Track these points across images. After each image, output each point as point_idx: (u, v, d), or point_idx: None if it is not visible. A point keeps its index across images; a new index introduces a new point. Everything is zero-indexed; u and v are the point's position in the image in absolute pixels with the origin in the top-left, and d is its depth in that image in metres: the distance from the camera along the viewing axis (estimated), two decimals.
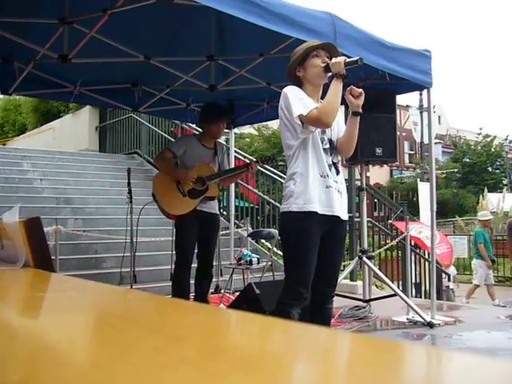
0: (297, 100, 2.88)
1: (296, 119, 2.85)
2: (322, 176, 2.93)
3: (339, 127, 3.16)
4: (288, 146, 2.99)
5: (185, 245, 4.53)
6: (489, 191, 20.66)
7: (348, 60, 2.88)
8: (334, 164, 3.03)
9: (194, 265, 4.65)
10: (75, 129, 12.49)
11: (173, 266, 4.59)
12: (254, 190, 8.41)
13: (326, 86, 2.99)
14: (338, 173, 3.04)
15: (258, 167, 6.53)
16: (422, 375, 0.51)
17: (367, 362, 0.52)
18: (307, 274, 2.93)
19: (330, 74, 2.93)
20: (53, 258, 4.93)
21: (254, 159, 5.01)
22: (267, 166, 8.05)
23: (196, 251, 4.66)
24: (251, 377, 0.45)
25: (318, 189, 2.90)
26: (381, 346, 0.58)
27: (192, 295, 4.71)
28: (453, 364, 0.54)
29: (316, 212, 2.86)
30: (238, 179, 5.74)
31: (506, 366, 0.47)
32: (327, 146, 3.02)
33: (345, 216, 3.05)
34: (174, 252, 4.77)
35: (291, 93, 2.92)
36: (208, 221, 4.60)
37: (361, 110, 2.98)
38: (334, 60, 2.89)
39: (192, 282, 4.64)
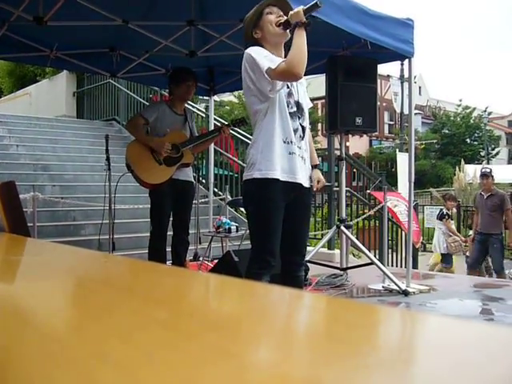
0: (262, 57, 2.80)
1: (265, 75, 2.76)
2: (285, 142, 2.88)
3: (307, 100, 3.12)
4: (254, 112, 2.92)
5: (160, 214, 4.53)
6: (466, 163, 20.88)
7: (306, 7, 2.79)
8: (299, 129, 2.97)
9: (170, 232, 4.66)
10: (52, 94, 12.26)
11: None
12: (234, 158, 8.37)
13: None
14: (302, 138, 2.98)
15: (231, 131, 6.51)
16: (396, 335, 0.52)
17: (342, 323, 0.52)
18: (273, 242, 2.92)
19: (288, 30, 2.86)
20: (30, 224, 4.90)
21: (226, 122, 4.96)
22: (246, 134, 8.02)
23: (172, 219, 4.66)
24: (221, 336, 0.45)
25: (281, 155, 2.86)
26: (356, 309, 0.59)
27: (169, 262, 4.73)
28: (426, 325, 0.55)
29: (278, 179, 2.83)
30: (210, 144, 5.68)
31: (476, 326, 0.48)
32: (293, 109, 2.95)
33: (307, 183, 3.01)
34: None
35: (254, 51, 2.83)
36: (183, 189, 4.58)
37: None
38: (291, 12, 2.81)
39: (169, 249, 4.65)
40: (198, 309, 0.59)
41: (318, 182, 3.21)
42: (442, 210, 9.08)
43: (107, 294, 0.66)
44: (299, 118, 2.98)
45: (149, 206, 4.70)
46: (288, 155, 2.89)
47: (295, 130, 2.94)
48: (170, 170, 4.47)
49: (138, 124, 4.54)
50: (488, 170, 8.13)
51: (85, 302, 0.63)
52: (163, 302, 0.60)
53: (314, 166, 3.23)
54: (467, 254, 9.08)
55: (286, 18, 2.85)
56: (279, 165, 2.85)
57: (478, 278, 7.07)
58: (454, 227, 8.86)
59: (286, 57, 2.86)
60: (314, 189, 3.20)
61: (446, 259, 8.58)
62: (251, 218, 3.06)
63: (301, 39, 2.79)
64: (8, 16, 4.45)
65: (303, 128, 3.00)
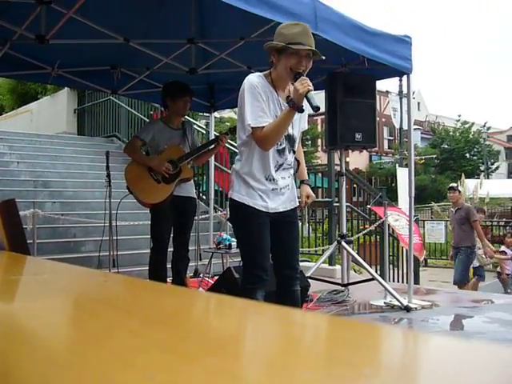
0: (251, 106, 2.77)
1: (246, 125, 2.78)
2: (267, 179, 2.91)
3: (301, 124, 3.12)
4: (239, 137, 2.94)
5: (160, 231, 4.51)
6: (466, 177, 20.88)
7: (309, 95, 2.68)
8: (287, 160, 2.98)
9: (171, 249, 4.65)
10: (53, 111, 12.31)
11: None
12: (229, 171, 8.36)
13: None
14: (287, 168, 3.00)
15: (229, 144, 6.47)
16: (398, 357, 0.52)
17: (344, 343, 0.52)
18: (262, 256, 2.94)
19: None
20: (30, 241, 4.90)
21: (223, 133, 4.94)
22: None
23: (172, 236, 4.64)
24: (222, 357, 0.45)
25: (262, 191, 2.90)
26: (358, 328, 0.58)
27: (170, 279, 4.71)
28: (429, 346, 0.55)
29: (258, 210, 2.88)
30: (211, 156, 5.63)
31: (480, 348, 0.48)
32: (282, 145, 2.95)
33: (290, 206, 3.04)
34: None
35: (249, 92, 2.80)
36: (184, 205, 4.57)
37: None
38: (298, 84, 2.68)
39: (169, 266, 4.64)
40: (197, 330, 0.59)
41: (308, 197, 3.23)
42: None
43: (107, 314, 0.66)
44: (287, 150, 2.99)
45: (149, 222, 4.69)
46: (270, 191, 2.93)
47: (280, 165, 2.96)
48: (169, 187, 4.45)
49: (135, 146, 4.55)
50: (455, 185, 8.27)
51: (85, 323, 0.63)
52: (163, 323, 0.60)
53: (302, 182, 3.25)
54: (498, 269, 9.04)
55: (301, 71, 2.77)
56: (261, 199, 2.90)
57: (479, 293, 7.04)
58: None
59: (294, 79, 2.78)
60: (303, 205, 3.22)
61: (479, 272, 8.45)
62: (238, 235, 3.11)
63: (286, 120, 2.78)
64: (10, 35, 4.48)
65: (286, 162, 3.00)
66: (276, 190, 2.94)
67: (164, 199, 4.42)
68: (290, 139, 3.00)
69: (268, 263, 2.98)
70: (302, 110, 2.78)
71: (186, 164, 4.56)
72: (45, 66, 5.39)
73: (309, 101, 2.70)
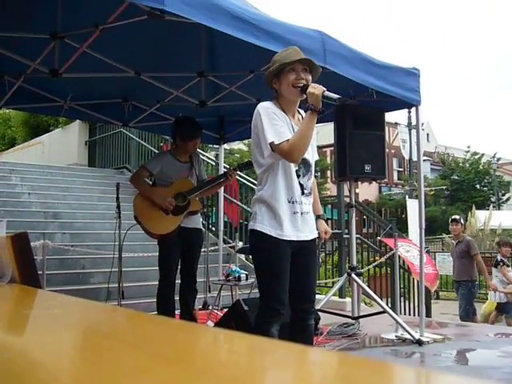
0: (270, 125, 2.81)
1: (267, 145, 2.80)
2: (289, 202, 2.91)
3: (314, 153, 3.15)
4: (258, 165, 2.95)
5: (168, 262, 4.52)
6: (477, 208, 20.79)
7: (326, 93, 2.78)
8: (304, 185, 2.99)
9: (178, 281, 4.63)
10: (65, 143, 12.45)
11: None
12: (238, 202, 8.38)
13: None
14: (307, 194, 3.01)
15: (247, 178, 6.50)
16: None
17: (355, 382, 0.52)
18: (280, 290, 2.92)
19: (305, 95, 2.85)
20: (40, 272, 4.89)
21: (232, 167, 4.98)
22: (251, 179, 8.07)
23: (180, 267, 4.64)
24: None
25: (285, 215, 2.89)
26: (369, 366, 0.58)
27: (178, 311, 4.68)
28: None
29: (281, 237, 2.87)
30: (219, 189, 5.67)
31: None
32: (301, 169, 2.98)
33: (311, 236, 3.03)
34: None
35: (265, 115, 2.84)
36: (191, 237, 4.58)
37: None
38: (312, 89, 2.79)
39: (177, 298, 4.62)
40: (209, 367, 0.58)
41: (326, 232, 3.25)
42: (496, 256, 8.80)
43: (118, 350, 0.66)
44: (304, 175, 3.01)
45: (157, 253, 4.69)
46: (292, 215, 2.92)
47: (299, 188, 2.96)
48: (177, 219, 4.47)
49: (141, 177, 4.61)
50: (458, 217, 8.16)
51: (95, 359, 0.62)
52: (174, 359, 0.60)
53: (317, 216, 3.25)
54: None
55: (304, 82, 2.86)
56: (283, 225, 2.88)
57: (493, 326, 6.93)
58: (511, 274, 8.56)
59: (301, 106, 2.91)
60: (322, 240, 3.25)
61: (506, 308, 8.23)
62: (258, 267, 3.06)
63: (309, 125, 2.82)
64: (24, 68, 4.56)
65: (306, 185, 3.01)
66: (298, 214, 2.92)
67: (171, 231, 4.42)
68: (306, 164, 3.02)
69: (286, 297, 2.95)
70: (322, 112, 2.81)
71: (194, 197, 4.58)
72: (57, 99, 5.48)
73: (328, 98, 2.78)
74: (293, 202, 2.92)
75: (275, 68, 2.93)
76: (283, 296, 2.93)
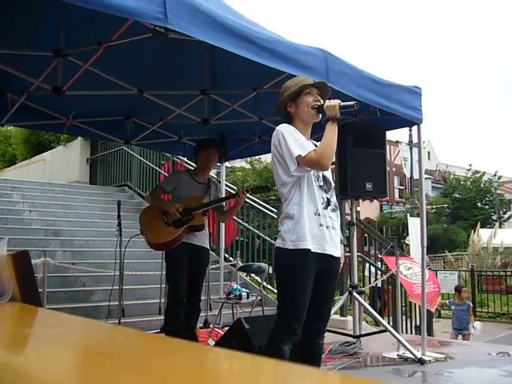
0: (293, 140, 2.90)
1: (294, 159, 2.87)
2: (315, 214, 2.95)
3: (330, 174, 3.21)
4: (282, 184, 3.00)
5: (177, 278, 4.51)
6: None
7: (342, 104, 2.91)
8: (328, 201, 3.04)
9: None
10: (66, 160, 12.48)
11: (161, 300, 4.54)
12: (236, 218, 8.35)
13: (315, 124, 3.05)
14: (333, 209, 3.06)
15: (248, 196, 6.49)
16: None
17: None
18: (301, 310, 2.93)
19: (322, 114, 2.97)
20: (40, 290, 4.87)
21: (243, 189, 4.97)
22: (258, 200, 8.06)
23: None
24: None
25: (312, 227, 2.91)
26: None
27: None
28: None
29: (310, 250, 2.88)
30: (235, 213, 5.53)
31: None
32: (322, 183, 3.04)
33: (337, 253, 3.05)
34: (163, 286, 4.76)
35: (287, 132, 2.94)
36: (198, 254, 4.58)
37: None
38: (328, 103, 2.92)
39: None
40: None
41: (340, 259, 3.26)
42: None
43: (118, 370, 0.65)
44: (326, 191, 3.06)
45: (158, 272, 4.69)
46: (318, 227, 2.95)
47: (324, 202, 3.01)
48: (176, 230, 4.48)
49: (155, 194, 4.71)
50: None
51: (96, 380, 0.62)
52: (174, 381, 0.59)
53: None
54: None
55: (321, 103, 2.99)
56: (310, 236, 2.90)
57: (495, 345, 6.87)
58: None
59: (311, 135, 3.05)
60: (342, 266, 3.25)
61: None
62: (282, 285, 3.07)
63: (332, 133, 2.92)
64: (27, 86, 4.59)
65: (329, 201, 3.06)
66: (323, 227, 2.95)
67: (169, 240, 4.44)
68: (327, 181, 3.09)
69: (304, 316, 2.95)
70: (340, 120, 2.95)
71: (201, 213, 4.59)
72: (60, 117, 5.50)
73: (345, 107, 2.93)
74: (318, 215, 2.95)
75: (293, 91, 3.04)
76: (302, 315, 2.94)
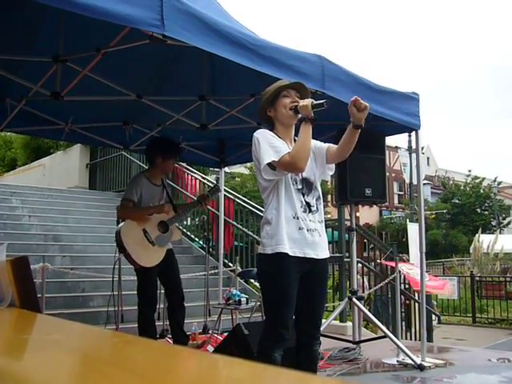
0: (267, 146, 2.87)
1: (266, 165, 2.84)
2: (294, 217, 2.92)
3: (317, 171, 3.15)
4: (262, 189, 3.01)
5: (147, 286, 4.60)
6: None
7: (315, 102, 2.89)
8: (308, 203, 3.00)
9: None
10: (66, 166, 12.48)
11: (160, 306, 4.57)
12: (234, 222, 8.36)
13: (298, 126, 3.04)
14: (314, 211, 3.01)
15: (247, 202, 6.52)
16: None
17: None
18: (287, 315, 2.90)
19: (300, 115, 2.96)
20: (39, 295, 4.86)
21: (204, 193, 5.24)
22: (258, 206, 8.06)
23: (164, 289, 4.80)
24: None
25: (291, 231, 2.89)
26: None
27: (169, 337, 4.82)
28: None
29: (287, 254, 2.85)
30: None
31: None
32: (300, 186, 3.00)
33: (322, 255, 3.00)
34: (161, 291, 4.79)
35: (262, 138, 2.92)
36: (164, 258, 4.64)
37: (363, 124, 2.99)
38: (301, 103, 2.91)
39: (167, 322, 4.74)
40: None
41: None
42: None
43: (117, 378, 0.65)
44: (305, 194, 3.02)
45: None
46: (298, 230, 2.92)
47: (303, 206, 2.98)
48: (162, 251, 4.59)
49: (127, 207, 4.58)
50: None
51: None
52: None
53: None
54: None
55: (298, 103, 2.96)
56: (289, 240, 2.87)
57: (495, 351, 6.85)
58: None
59: (295, 135, 3.01)
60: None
61: None
62: (265, 292, 3.06)
63: (306, 135, 2.90)
64: (26, 91, 4.59)
65: (311, 203, 3.02)
66: (303, 230, 2.92)
67: (156, 265, 4.53)
68: (307, 182, 3.04)
69: (291, 321, 2.94)
70: (314, 120, 2.91)
71: (175, 225, 4.76)
72: (58, 122, 5.50)
73: (317, 106, 2.89)
74: (297, 218, 2.92)
75: (271, 93, 3.04)
76: (289, 321, 2.91)
